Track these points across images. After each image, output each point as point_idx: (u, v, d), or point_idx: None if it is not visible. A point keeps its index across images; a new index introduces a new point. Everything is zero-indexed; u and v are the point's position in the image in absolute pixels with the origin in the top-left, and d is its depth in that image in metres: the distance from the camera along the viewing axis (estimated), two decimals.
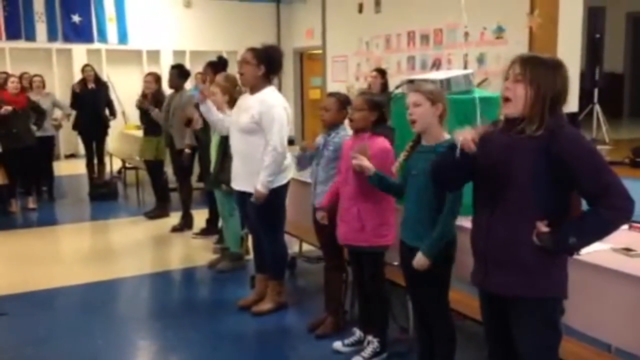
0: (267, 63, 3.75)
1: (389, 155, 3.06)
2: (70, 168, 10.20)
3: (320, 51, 12.11)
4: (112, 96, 8.63)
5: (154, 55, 12.42)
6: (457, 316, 2.95)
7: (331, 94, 3.64)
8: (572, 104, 6.20)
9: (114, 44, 12.16)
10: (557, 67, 2.07)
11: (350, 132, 3.41)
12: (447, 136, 2.64)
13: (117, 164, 9.06)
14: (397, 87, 3.51)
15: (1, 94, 7.03)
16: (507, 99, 2.08)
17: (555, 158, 1.98)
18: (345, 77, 11.11)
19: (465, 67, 7.90)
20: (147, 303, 4.50)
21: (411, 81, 3.33)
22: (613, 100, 10.94)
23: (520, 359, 2.14)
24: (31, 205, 7.39)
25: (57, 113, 8.08)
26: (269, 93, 3.77)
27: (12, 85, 7.00)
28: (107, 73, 10.65)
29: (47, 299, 4.33)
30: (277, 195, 3.81)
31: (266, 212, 3.81)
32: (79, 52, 11.73)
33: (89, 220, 7.14)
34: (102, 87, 8.32)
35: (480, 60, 7.92)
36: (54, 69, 11.57)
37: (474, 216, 2.25)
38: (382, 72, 7.10)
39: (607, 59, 8.15)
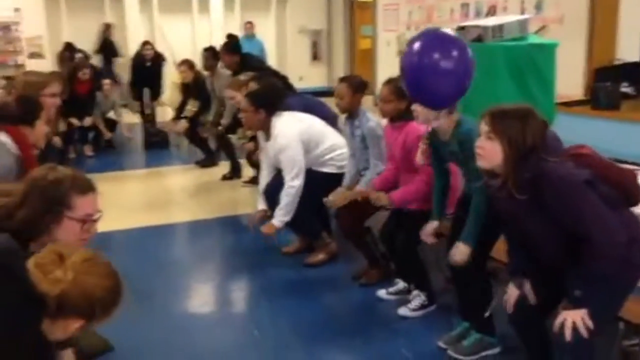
0: (264, 106, 3.84)
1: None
2: (125, 117, 10.43)
3: None
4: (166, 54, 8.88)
5: (204, 3, 12.36)
6: None
7: (342, 79, 3.60)
8: (633, 52, 5.92)
9: None
10: (525, 118, 2.03)
11: (370, 114, 3.50)
12: (455, 118, 2.62)
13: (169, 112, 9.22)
14: None
15: (74, 83, 7.23)
16: (480, 156, 2.11)
17: (547, 207, 2.00)
18: (396, 26, 10.85)
19: (523, 14, 7.59)
20: (199, 248, 4.62)
21: (462, 28, 3.24)
22: None
23: None
24: (88, 152, 7.66)
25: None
26: (279, 129, 3.81)
27: (82, 75, 7.34)
28: (159, 24, 10.78)
29: (103, 241, 4.48)
30: (324, 180, 3.85)
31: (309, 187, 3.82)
32: (131, 1, 11.80)
33: (143, 168, 7.36)
34: (160, 62, 8.59)
35: (538, 6, 7.59)
36: (106, 17, 11.71)
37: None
38: None
39: None
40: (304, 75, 12.12)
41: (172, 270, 4.07)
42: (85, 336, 2.72)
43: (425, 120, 2.65)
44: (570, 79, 6.41)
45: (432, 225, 2.94)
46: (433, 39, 2.54)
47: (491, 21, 3.23)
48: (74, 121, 7.35)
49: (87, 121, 7.53)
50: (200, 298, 3.75)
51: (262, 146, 4.10)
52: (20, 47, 11.22)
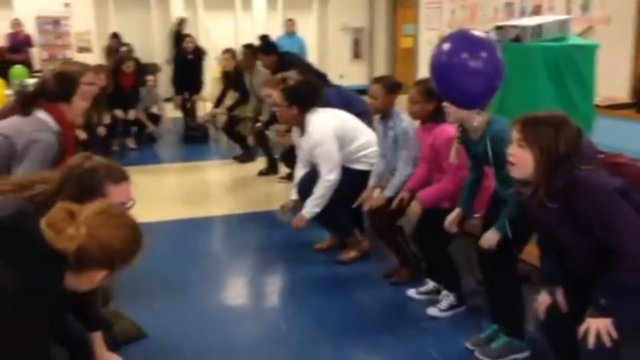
0: (297, 102, 3.88)
1: (452, 142, 2.95)
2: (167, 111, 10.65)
3: None
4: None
5: (247, 0, 12.49)
6: None
7: (376, 80, 3.60)
8: None
9: None
10: (558, 125, 1.98)
11: (404, 115, 3.46)
12: (482, 118, 2.59)
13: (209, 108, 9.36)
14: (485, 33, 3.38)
15: (119, 75, 7.42)
16: (511, 164, 2.07)
17: (579, 216, 1.97)
18: (438, 24, 10.77)
19: (568, 15, 7.44)
20: (234, 241, 4.69)
21: (500, 27, 3.20)
22: None
23: None
24: (130, 145, 7.85)
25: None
26: (314, 125, 3.85)
27: (126, 68, 7.52)
28: (203, 20, 11.00)
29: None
30: (357, 177, 3.86)
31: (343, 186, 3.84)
32: None
33: (182, 161, 7.50)
34: (200, 55, 8.74)
35: (585, 7, 7.42)
36: (152, 13, 11.96)
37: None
38: None
39: None
40: (345, 73, 12.15)
41: (207, 262, 4.15)
42: (119, 322, 2.81)
43: (455, 119, 2.64)
44: (616, 81, 6.27)
45: (454, 213, 2.92)
46: (462, 39, 2.54)
47: (530, 21, 3.18)
48: (119, 113, 7.53)
49: (131, 114, 7.71)
50: (233, 291, 3.81)
51: (296, 141, 4.14)
52: (69, 42, 11.56)
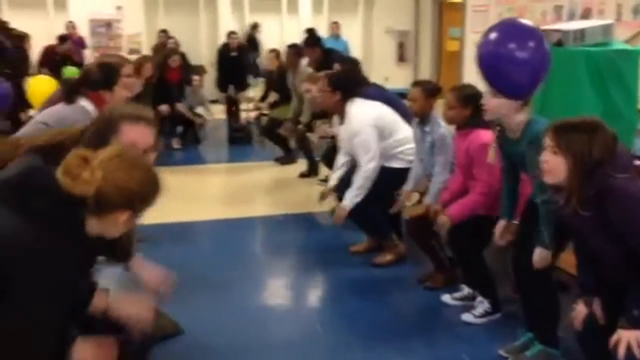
0: (342, 89, 3.91)
1: (486, 149, 2.91)
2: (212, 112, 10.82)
3: (460, 0, 11.64)
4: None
5: (293, 3, 12.61)
6: None
7: (416, 84, 3.60)
8: None
9: None
10: (592, 131, 1.95)
11: (442, 121, 3.45)
12: (526, 117, 2.56)
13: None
14: None
15: (165, 70, 7.51)
16: (544, 170, 2.06)
17: (612, 224, 1.95)
18: (484, 27, 10.60)
19: (619, 19, 7.24)
20: (273, 242, 4.75)
21: (542, 31, 3.15)
22: None
23: None
24: (175, 145, 8.02)
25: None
26: (353, 114, 3.88)
27: (172, 62, 7.64)
28: (250, 22, 11.17)
29: (185, 230, 4.72)
30: (393, 176, 3.87)
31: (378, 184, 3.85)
32: (224, 0, 12.20)
33: (225, 162, 7.63)
34: (245, 52, 8.93)
35: (636, 10, 7.20)
36: (200, 15, 12.19)
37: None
38: None
39: None
40: (390, 76, 12.11)
41: (247, 262, 4.21)
42: (156, 317, 2.88)
43: (493, 115, 2.61)
44: None
45: (500, 225, 2.89)
46: (510, 26, 2.54)
47: (573, 25, 3.13)
48: (163, 109, 7.57)
49: (179, 107, 7.70)
50: (271, 291, 3.85)
51: (337, 129, 4.16)
52: (121, 44, 11.89)
